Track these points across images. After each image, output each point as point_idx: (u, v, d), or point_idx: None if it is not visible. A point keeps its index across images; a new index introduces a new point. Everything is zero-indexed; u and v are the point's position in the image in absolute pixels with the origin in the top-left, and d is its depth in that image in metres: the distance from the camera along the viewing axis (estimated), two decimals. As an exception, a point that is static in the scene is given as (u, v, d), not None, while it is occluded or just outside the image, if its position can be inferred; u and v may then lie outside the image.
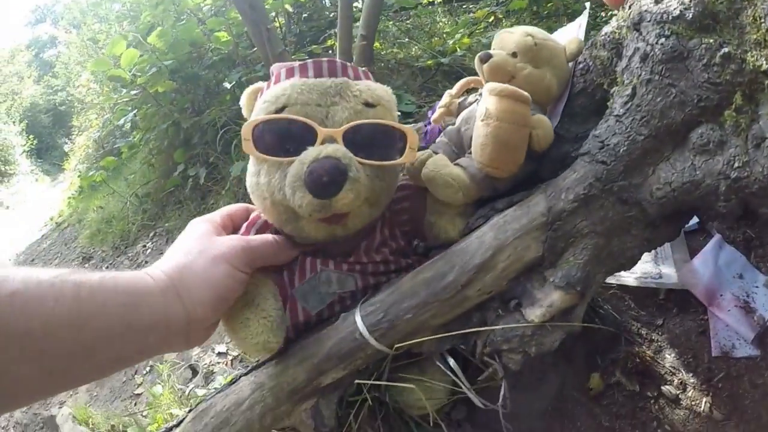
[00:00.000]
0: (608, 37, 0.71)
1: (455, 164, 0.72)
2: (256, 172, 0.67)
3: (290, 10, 2.74)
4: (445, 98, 0.86)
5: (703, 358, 1.03)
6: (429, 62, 2.55)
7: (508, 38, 0.75)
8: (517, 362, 0.71)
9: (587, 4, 0.87)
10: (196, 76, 2.82)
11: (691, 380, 1.00)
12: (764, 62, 0.57)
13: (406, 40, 3.00)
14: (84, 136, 6.27)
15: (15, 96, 13.08)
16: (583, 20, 0.85)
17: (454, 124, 0.83)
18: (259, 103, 0.67)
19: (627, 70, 0.66)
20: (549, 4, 3.00)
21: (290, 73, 0.66)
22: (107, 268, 3.06)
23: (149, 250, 2.89)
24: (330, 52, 2.71)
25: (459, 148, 0.79)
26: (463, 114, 0.79)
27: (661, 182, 0.63)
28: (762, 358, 0.99)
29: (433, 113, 1.48)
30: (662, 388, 0.99)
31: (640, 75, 0.63)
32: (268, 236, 0.70)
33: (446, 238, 0.77)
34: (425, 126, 1.48)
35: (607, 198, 0.64)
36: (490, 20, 3.04)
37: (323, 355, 0.70)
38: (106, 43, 5.04)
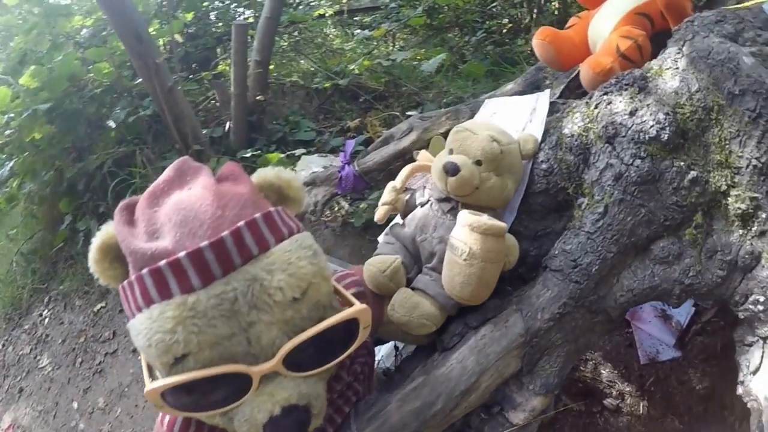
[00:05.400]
0: (575, 140, 0.71)
1: (416, 290, 0.72)
2: None
3: (180, 40, 2.49)
4: (390, 194, 0.80)
5: (634, 367, 1.15)
6: (326, 84, 2.46)
7: (473, 142, 0.71)
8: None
9: (547, 91, 0.84)
10: (77, 112, 2.48)
11: (627, 389, 1.13)
12: (723, 183, 0.63)
13: (298, 57, 2.86)
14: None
15: None
16: (543, 107, 0.81)
17: (403, 225, 0.80)
18: (139, 339, 0.47)
19: (598, 184, 0.67)
20: (440, 16, 3.04)
21: (163, 288, 0.44)
22: (3, 345, 2.68)
23: (47, 319, 2.49)
24: (222, 79, 2.53)
25: (414, 254, 0.77)
26: (417, 220, 0.76)
27: (624, 290, 0.67)
28: (683, 357, 1.13)
29: (345, 156, 1.41)
30: (604, 402, 1.11)
31: (612, 194, 0.65)
32: None
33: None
34: (339, 171, 1.41)
35: (578, 311, 0.68)
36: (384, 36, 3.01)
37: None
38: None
